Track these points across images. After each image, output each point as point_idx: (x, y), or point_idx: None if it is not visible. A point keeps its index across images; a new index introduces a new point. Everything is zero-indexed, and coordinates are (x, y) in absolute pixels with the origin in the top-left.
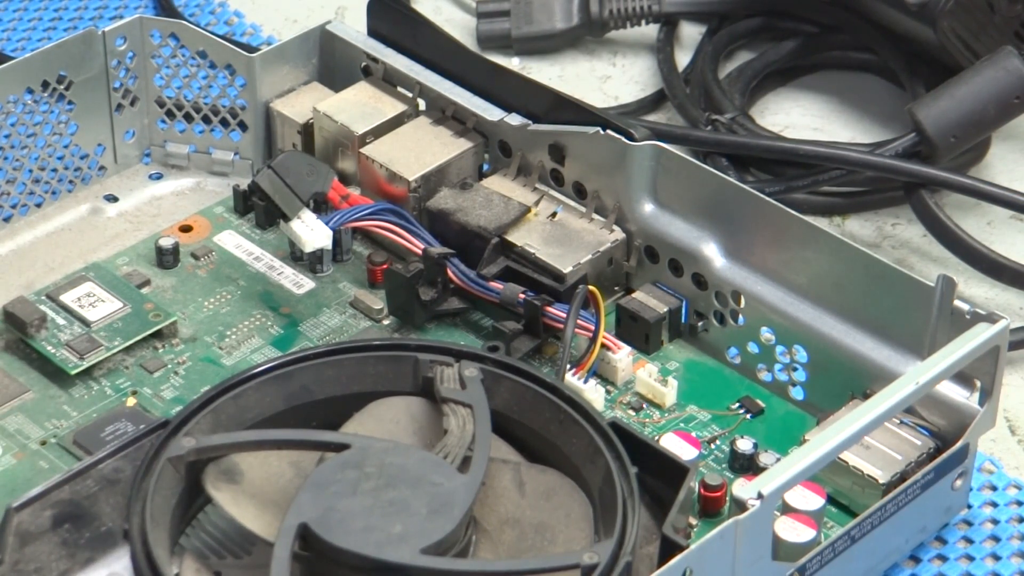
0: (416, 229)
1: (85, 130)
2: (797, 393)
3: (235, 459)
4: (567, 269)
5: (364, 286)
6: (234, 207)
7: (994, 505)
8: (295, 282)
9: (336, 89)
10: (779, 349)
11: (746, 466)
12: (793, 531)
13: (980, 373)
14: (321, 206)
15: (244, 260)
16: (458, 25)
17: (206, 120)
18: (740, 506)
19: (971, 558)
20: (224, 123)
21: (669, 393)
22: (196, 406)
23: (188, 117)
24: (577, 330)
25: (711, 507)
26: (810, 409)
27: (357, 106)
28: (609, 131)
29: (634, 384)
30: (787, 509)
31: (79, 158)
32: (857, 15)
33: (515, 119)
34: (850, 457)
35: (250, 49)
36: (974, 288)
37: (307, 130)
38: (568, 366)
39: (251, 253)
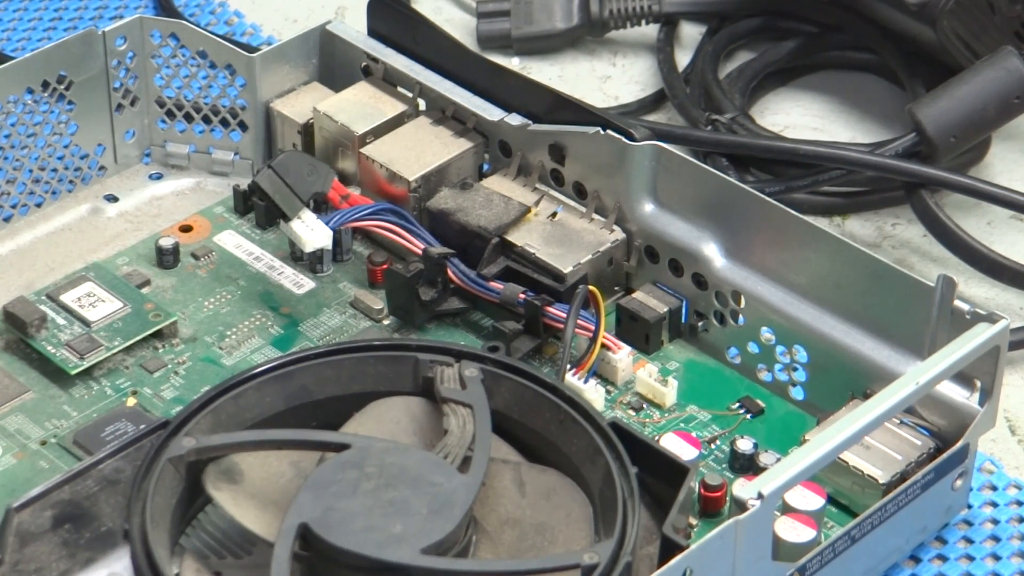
0: (416, 229)
1: (85, 130)
2: (797, 393)
3: (235, 459)
4: (567, 269)
5: (364, 286)
6: (234, 207)
7: (994, 505)
8: (295, 282)
9: (336, 89)
10: (779, 349)
11: (746, 466)
12: (793, 531)
13: (980, 373)
14: (321, 206)
15: (244, 260)
16: (458, 25)
17: (206, 120)
18: (740, 506)
19: (971, 558)
20: (224, 123)
21: (669, 393)
22: (196, 406)
23: (188, 117)
24: (577, 330)
25: (711, 507)
26: (810, 409)
27: (357, 106)
28: (609, 131)
29: (634, 384)
30: (787, 509)
31: (79, 158)
32: (857, 15)
33: (515, 119)
34: (850, 457)
35: (250, 49)
36: (974, 288)
37: (307, 130)
38: (568, 366)
39: (251, 253)
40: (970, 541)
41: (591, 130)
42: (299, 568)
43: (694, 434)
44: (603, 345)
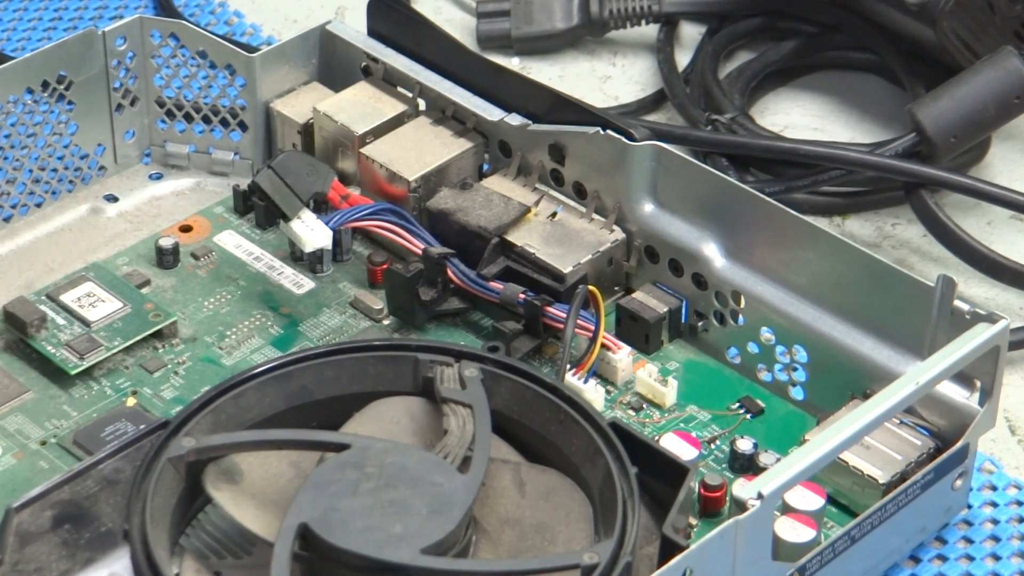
0: (416, 229)
1: (85, 130)
2: (797, 393)
3: (235, 459)
4: (567, 269)
5: (364, 286)
6: (234, 207)
7: (994, 505)
8: (295, 282)
9: (336, 89)
10: (779, 349)
11: (746, 466)
12: (793, 531)
13: (980, 373)
14: (321, 206)
15: (244, 260)
16: (458, 25)
17: (206, 120)
18: (740, 506)
19: (971, 558)
20: (224, 123)
21: (669, 393)
22: (196, 406)
23: (188, 117)
24: (577, 330)
25: (711, 507)
26: (810, 409)
27: (357, 106)
28: (609, 131)
29: (634, 384)
30: (787, 509)
31: (79, 158)
32: (857, 15)
33: (515, 119)
34: (850, 457)
35: (250, 49)
36: (974, 288)
37: (307, 130)
38: (568, 366)
39: (251, 253)
40: (970, 541)
41: (591, 130)
42: (299, 568)
43: (694, 434)
44: (603, 345)
